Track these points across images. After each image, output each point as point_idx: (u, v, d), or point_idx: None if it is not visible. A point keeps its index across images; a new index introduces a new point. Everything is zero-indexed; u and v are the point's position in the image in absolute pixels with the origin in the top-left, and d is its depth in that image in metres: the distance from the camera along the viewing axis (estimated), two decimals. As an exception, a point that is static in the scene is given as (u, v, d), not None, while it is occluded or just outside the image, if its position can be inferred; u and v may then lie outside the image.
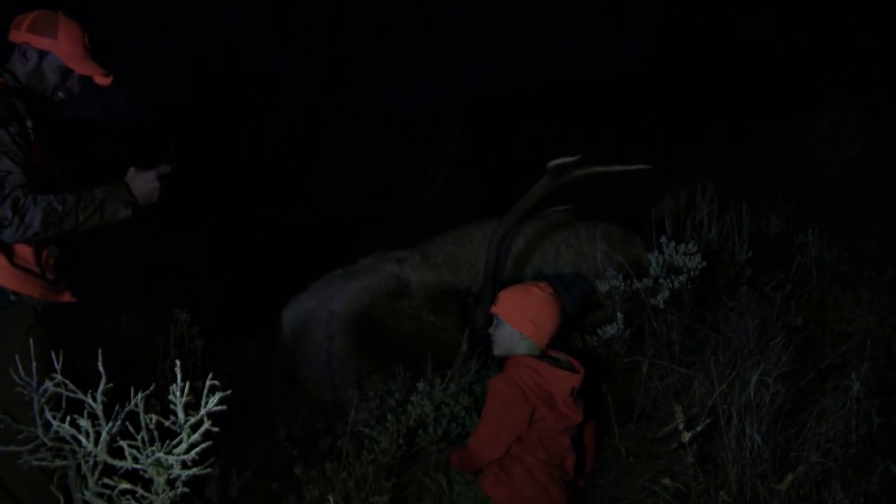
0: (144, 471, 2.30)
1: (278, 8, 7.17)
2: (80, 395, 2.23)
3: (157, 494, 2.34)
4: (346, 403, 3.77)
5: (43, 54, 2.93)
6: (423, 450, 3.57)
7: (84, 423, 2.20)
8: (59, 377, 2.27)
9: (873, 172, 6.74)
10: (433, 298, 4.31)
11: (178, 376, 2.19)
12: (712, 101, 10.37)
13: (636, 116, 10.59)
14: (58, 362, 2.31)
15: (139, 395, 2.23)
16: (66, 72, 2.98)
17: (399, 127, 7.62)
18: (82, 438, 2.23)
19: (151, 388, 2.28)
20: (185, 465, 2.30)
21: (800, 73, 10.04)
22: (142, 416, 2.23)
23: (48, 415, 2.29)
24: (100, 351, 2.25)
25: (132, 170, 2.99)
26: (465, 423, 3.60)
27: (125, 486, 2.32)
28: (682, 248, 4.19)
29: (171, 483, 2.36)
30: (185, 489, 2.37)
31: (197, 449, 2.27)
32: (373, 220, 7.31)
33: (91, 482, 2.37)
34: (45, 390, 2.34)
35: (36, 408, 2.36)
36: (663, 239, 4.28)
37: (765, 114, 8.63)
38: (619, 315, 4.07)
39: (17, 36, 2.93)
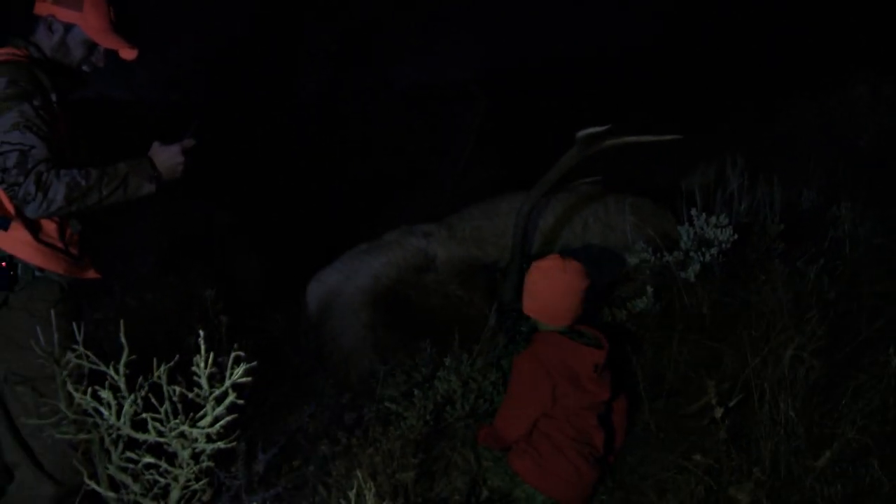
0: (168, 444, 2.28)
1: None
2: (102, 367, 2.20)
3: (182, 468, 2.32)
4: (372, 379, 3.74)
5: (69, 27, 2.89)
6: (451, 426, 3.54)
7: (105, 394, 2.17)
8: (81, 349, 2.24)
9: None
10: (460, 273, 4.27)
11: (203, 347, 2.16)
12: (739, 74, 10.22)
13: (662, 91, 10.46)
14: (80, 335, 2.29)
15: (162, 367, 2.20)
16: (91, 45, 2.94)
17: (423, 101, 7.56)
18: (104, 411, 2.21)
19: (175, 359, 2.25)
20: (209, 439, 2.28)
21: (829, 45, 9.85)
22: (165, 388, 2.21)
23: (70, 387, 2.28)
24: (122, 322, 2.22)
25: (156, 144, 2.95)
26: (492, 399, 3.56)
27: (149, 459, 2.30)
28: (712, 220, 4.12)
29: (195, 457, 2.34)
30: (210, 463, 2.35)
31: (222, 422, 2.25)
32: (398, 193, 7.27)
33: (115, 456, 2.35)
34: (69, 362, 2.32)
35: (59, 381, 2.34)
36: (693, 212, 4.21)
37: (794, 86, 8.48)
38: (649, 289, 4.02)
39: (43, 8, 2.88)
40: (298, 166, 7.41)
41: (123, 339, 2.18)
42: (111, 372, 2.18)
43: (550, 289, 3.18)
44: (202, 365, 2.17)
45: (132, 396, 2.21)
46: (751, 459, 3.07)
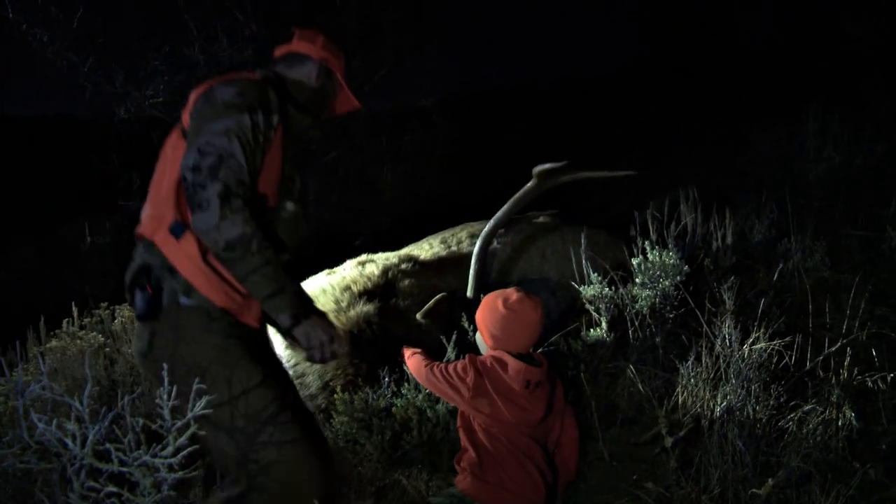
0: (131, 473, 2.30)
1: (267, 3, 7.15)
2: (67, 399, 2.23)
3: (144, 497, 2.35)
4: (331, 408, 3.78)
5: (329, 73, 2.92)
6: (408, 454, 3.59)
7: (71, 425, 2.20)
8: (45, 381, 2.27)
9: (854, 180, 6.82)
10: (421, 302, 4.32)
11: (166, 380, 2.19)
12: (698, 108, 10.45)
13: (621, 121, 10.66)
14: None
15: (125, 399, 2.24)
16: (326, 75, 2.94)
17: (386, 127, 7.63)
18: (69, 441, 2.23)
19: (138, 391, 2.29)
20: (171, 469, 2.31)
21: (782, 82, 10.13)
22: (128, 419, 2.24)
23: (34, 417, 2.30)
24: (86, 354, 2.25)
25: (326, 317, 2.73)
26: (449, 427, 3.61)
27: (111, 488, 2.33)
28: (665, 253, 4.22)
29: (157, 486, 2.37)
30: (172, 492, 2.38)
31: (183, 452, 2.28)
32: (360, 220, 7.32)
33: (76, 485, 2.37)
34: (31, 392, 2.33)
35: (20, 411, 2.36)
36: (647, 244, 4.31)
37: (748, 121, 8.71)
38: (604, 320, 4.10)
39: (315, 52, 2.90)
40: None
41: (88, 371, 2.21)
42: (76, 403, 2.21)
43: (517, 322, 3.21)
44: (165, 398, 2.20)
45: (96, 427, 2.24)
46: (700, 487, 3.15)
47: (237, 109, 2.49)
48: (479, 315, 3.28)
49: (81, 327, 4.59)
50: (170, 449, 2.26)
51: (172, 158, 2.63)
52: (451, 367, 3.17)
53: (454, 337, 3.79)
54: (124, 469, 2.27)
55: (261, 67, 2.93)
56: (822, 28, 10.59)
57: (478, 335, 3.33)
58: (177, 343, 2.55)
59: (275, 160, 2.68)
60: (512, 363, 3.14)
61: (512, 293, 3.24)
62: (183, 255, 2.54)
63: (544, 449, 3.24)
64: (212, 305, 2.60)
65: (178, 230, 2.54)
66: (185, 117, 2.65)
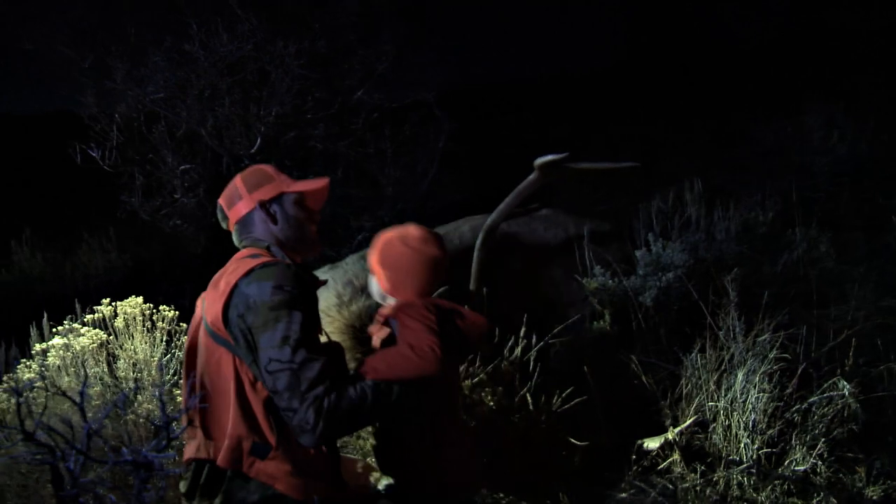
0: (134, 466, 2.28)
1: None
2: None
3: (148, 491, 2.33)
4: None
5: (278, 198, 2.68)
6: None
7: (75, 419, 2.19)
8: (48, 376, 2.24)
9: (859, 170, 6.80)
10: (422, 295, 4.30)
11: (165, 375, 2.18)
12: (699, 99, 10.43)
13: (625, 114, 10.64)
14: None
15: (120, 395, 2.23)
16: (301, 199, 2.72)
17: (387, 121, 7.60)
18: (67, 436, 2.22)
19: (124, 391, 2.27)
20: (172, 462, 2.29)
21: (779, 75, 10.12)
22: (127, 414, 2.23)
23: (34, 412, 2.28)
24: (85, 372, 2.23)
25: None
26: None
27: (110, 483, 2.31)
28: (670, 245, 4.21)
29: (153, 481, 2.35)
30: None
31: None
32: (361, 215, 7.31)
33: (77, 479, 2.36)
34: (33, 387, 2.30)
35: (18, 407, 2.35)
36: (651, 236, 4.29)
37: (751, 113, 8.70)
38: (607, 312, 4.09)
39: (243, 206, 2.66)
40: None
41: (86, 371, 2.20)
42: (75, 399, 2.19)
43: (420, 263, 2.75)
44: (157, 394, 2.19)
45: (97, 423, 2.22)
46: (705, 480, 3.14)
47: (285, 309, 2.30)
48: (376, 257, 2.79)
49: (83, 324, 4.59)
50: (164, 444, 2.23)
51: (222, 374, 2.41)
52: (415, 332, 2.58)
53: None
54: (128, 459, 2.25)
55: (247, 245, 2.64)
56: (815, 21, 10.58)
57: (371, 280, 2.86)
58: None
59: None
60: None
61: (412, 229, 2.80)
62: (279, 473, 2.36)
63: None
64: None
65: (261, 451, 2.36)
66: (213, 317, 2.39)
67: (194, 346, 2.53)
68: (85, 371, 2.22)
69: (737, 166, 7.59)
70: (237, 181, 2.67)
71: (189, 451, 2.46)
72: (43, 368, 2.99)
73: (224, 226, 2.74)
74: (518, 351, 3.73)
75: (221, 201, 2.70)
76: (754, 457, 3.19)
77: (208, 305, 2.43)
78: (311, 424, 2.17)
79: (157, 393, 2.20)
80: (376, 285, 2.82)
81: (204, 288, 2.58)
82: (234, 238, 2.69)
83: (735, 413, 3.30)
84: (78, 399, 2.23)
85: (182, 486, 2.46)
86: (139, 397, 3.48)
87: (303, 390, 2.19)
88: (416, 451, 2.62)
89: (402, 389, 2.38)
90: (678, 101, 10.83)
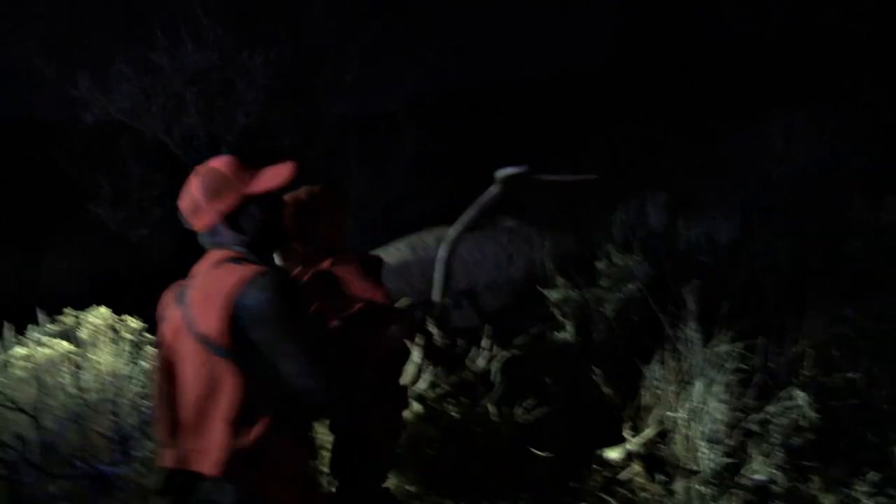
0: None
1: (234, 8, 7.11)
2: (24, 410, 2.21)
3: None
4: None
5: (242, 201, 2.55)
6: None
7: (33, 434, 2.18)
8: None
9: (819, 179, 6.89)
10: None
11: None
12: (662, 108, 10.51)
13: (591, 123, 10.70)
14: None
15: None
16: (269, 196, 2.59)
17: (354, 129, 7.60)
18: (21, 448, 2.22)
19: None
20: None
21: (749, 83, 10.21)
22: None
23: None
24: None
25: None
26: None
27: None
28: (632, 258, 4.24)
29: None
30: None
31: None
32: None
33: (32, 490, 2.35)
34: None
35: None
36: (612, 248, 4.33)
37: (712, 122, 8.78)
38: (569, 324, 4.11)
39: (209, 215, 2.52)
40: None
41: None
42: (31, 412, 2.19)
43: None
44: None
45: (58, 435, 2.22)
46: (665, 490, 3.17)
47: (276, 309, 2.25)
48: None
49: (46, 333, 4.53)
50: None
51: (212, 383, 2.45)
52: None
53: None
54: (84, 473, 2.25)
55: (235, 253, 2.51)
56: (788, 25, 10.70)
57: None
58: None
59: None
60: None
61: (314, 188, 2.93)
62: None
63: None
64: None
65: None
66: (209, 329, 2.26)
67: (170, 353, 2.42)
68: (44, 383, 2.21)
69: (699, 174, 7.65)
70: (193, 188, 2.52)
71: (165, 460, 2.37)
72: (2, 380, 2.96)
73: (187, 227, 2.70)
74: (481, 361, 3.75)
75: (181, 209, 2.64)
76: (713, 466, 3.23)
77: (199, 315, 2.32)
78: (322, 389, 2.18)
79: (111, 406, 2.20)
80: None
81: None
82: (201, 240, 2.64)
83: (694, 423, 3.33)
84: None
85: (154, 493, 2.44)
86: (104, 409, 3.46)
87: (318, 369, 2.19)
88: None
89: None
90: (646, 108, 10.90)
